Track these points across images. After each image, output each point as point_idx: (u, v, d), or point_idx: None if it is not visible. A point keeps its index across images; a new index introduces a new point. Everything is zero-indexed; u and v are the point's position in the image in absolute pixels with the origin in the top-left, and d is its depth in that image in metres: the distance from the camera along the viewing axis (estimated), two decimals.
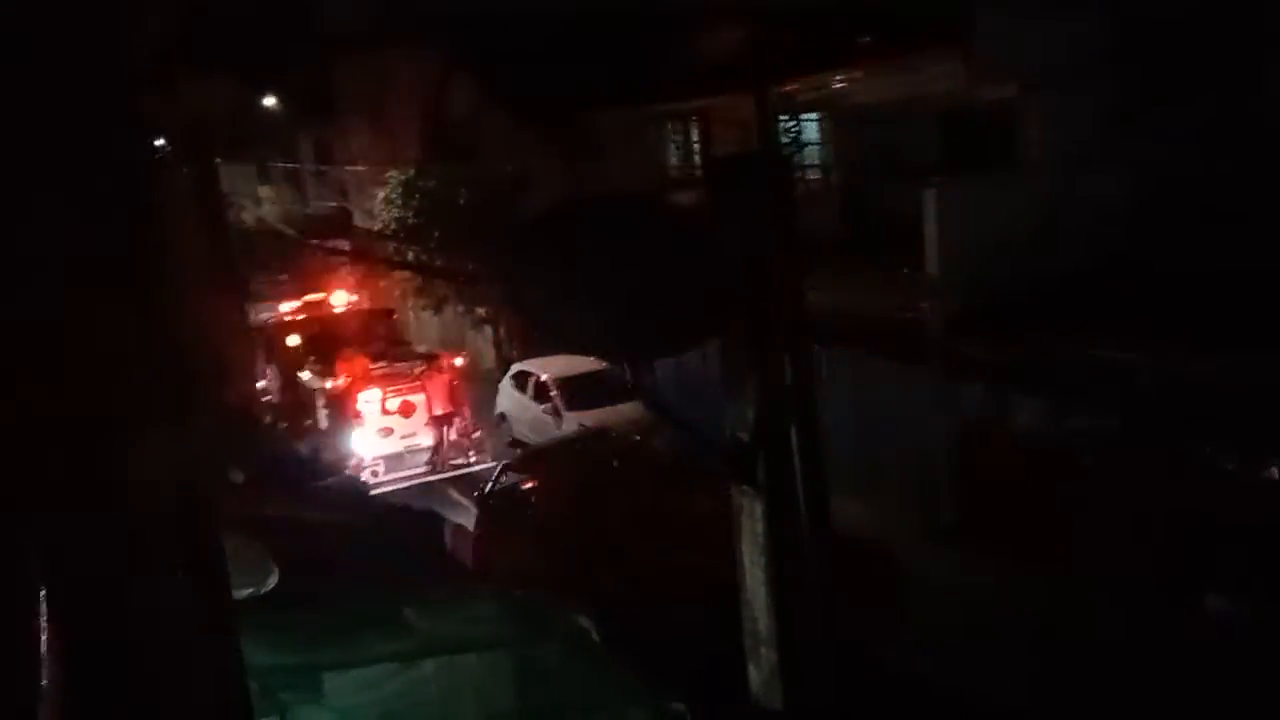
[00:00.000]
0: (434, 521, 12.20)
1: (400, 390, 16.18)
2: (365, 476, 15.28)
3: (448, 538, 12.00)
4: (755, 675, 4.85)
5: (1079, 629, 9.20)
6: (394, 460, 15.87)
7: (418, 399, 16.16)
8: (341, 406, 16.11)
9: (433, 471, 15.98)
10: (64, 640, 2.42)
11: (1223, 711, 7.64)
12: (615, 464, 12.36)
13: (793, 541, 4.57)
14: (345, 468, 15.41)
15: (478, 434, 16.49)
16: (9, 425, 2.37)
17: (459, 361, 17.32)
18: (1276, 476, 9.20)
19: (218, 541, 3.01)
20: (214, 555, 2.96)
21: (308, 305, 19.95)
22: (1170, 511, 9.52)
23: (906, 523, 11.84)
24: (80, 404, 2.52)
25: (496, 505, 12.41)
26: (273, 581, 6.15)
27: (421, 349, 18.81)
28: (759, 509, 4.51)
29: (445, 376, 16.46)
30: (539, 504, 12.05)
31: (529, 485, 12.53)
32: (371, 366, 16.71)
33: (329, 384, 16.60)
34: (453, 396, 16.41)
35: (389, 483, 15.36)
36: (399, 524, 11.49)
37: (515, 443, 17.73)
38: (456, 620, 6.82)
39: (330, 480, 14.48)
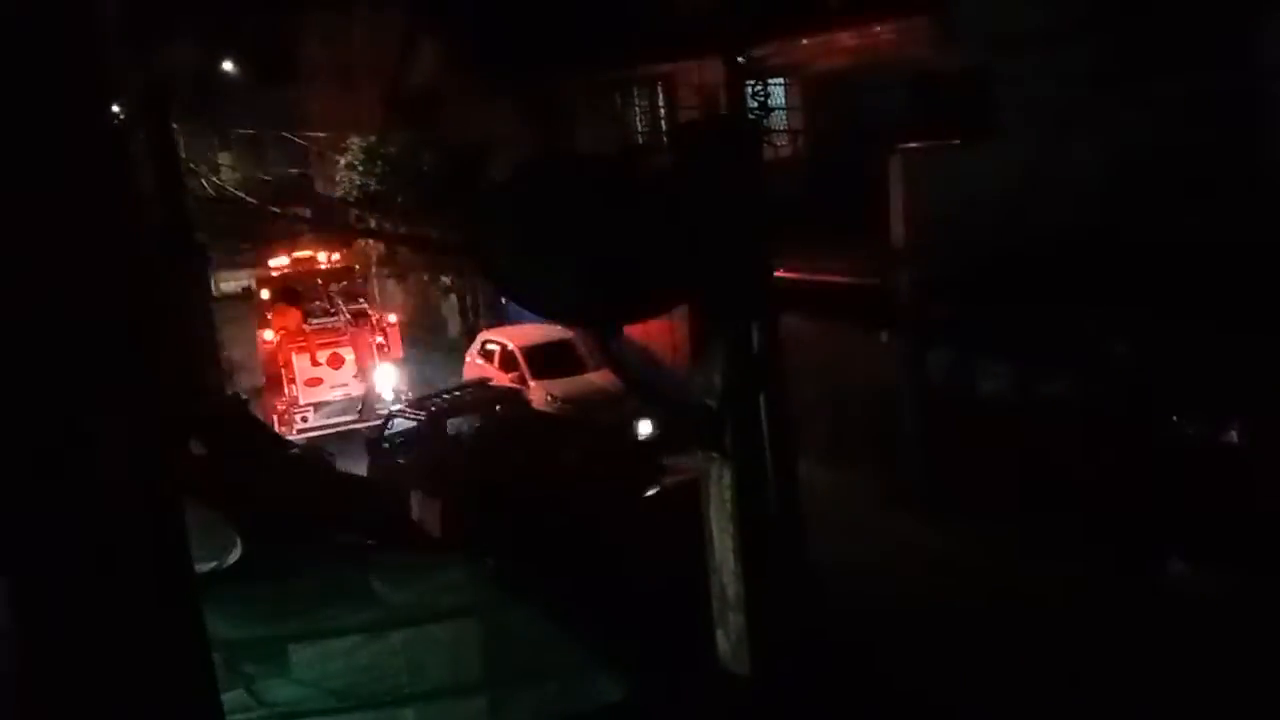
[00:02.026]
0: (398, 492, 12.19)
1: (329, 344, 17.00)
2: (295, 422, 16.28)
3: (414, 508, 11.96)
4: (723, 640, 4.86)
5: (1036, 596, 9.26)
6: (323, 409, 16.73)
7: (346, 352, 16.99)
8: (276, 358, 17.05)
9: (360, 420, 16.60)
10: (25, 616, 2.36)
11: (1181, 677, 7.74)
12: (497, 408, 13.84)
13: (760, 507, 4.57)
14: (279, 414, 16.41)
15: (404, 388, 17.11)
16: None
17: (392, 318, 18.17)
18: (1237, 441, 9.31)
19: (179, 514, 2.96)
20: (175, 528, 2.91)
21: (296, 261, 20.22)
22: (1134, 477, 9.59)
23: (867, 488, 11.89)
24: (40, 376, 2.45)
25: (383, 450, 13.72)
26: (235, 555, 6.09)
27: (354, 307, 18.99)
28: (727, 476, 4.50)
29: (370, 332, 17.29)
30: (418, 447, 13.12)
31: (412, 430, 13.57)
32: (308, 323, 17.46)
33: (266, 337, 17.43)
34: (382, 351, 17.26)
35: (317, 429, 16.27)
36: (363, 494, 11.46)
37: None
38: (424, 590, 6.81)
39: (294, 450, 14.44)
